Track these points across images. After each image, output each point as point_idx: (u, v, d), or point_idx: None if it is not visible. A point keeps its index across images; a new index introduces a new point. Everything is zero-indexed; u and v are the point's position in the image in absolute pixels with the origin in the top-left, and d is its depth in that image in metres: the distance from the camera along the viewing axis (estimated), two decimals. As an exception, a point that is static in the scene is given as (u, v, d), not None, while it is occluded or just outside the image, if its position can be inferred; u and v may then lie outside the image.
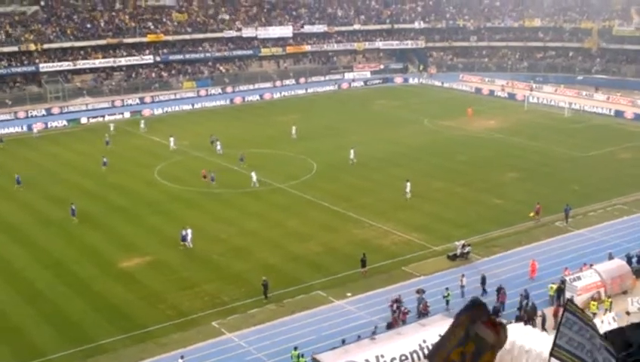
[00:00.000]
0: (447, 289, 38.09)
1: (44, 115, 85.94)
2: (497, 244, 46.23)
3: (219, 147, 67.80)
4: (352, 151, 64.04)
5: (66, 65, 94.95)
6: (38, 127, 79.23)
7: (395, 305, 36.39)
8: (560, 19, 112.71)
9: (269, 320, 37.18)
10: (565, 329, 5.40)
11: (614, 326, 32.62)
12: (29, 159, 68.10)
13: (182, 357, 32.39)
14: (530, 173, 61.16)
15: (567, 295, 36.96)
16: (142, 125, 77.70)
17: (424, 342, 31.53)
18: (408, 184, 54.90)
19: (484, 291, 38.66)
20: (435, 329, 32.38)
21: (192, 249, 45.72)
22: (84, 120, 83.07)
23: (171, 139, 69.56)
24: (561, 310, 14.29)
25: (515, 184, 58.29)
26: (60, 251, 45.93)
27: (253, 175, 58.10)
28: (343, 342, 32.59)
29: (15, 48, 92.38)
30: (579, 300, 36.70)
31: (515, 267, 42.48)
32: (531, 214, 49.40)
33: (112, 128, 77.57)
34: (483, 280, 39.32)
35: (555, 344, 5.30)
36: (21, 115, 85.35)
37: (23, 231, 49.49)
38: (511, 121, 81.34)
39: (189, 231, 46.27)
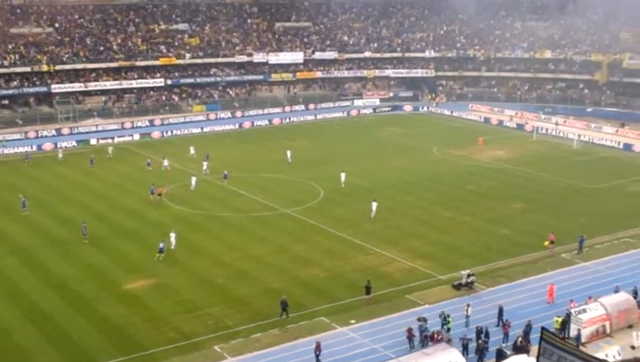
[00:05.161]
0: (447, 316, 37.80)
1: (54, 135, 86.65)
2: (503, 275, 45.99)
3: (205, 167, 69.31)
4: (342, 174, 64.97)
5: (77, 87, 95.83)
6: (48, 146, 79.72)
7: (409, 333, 36.35)
8: (570, 51, 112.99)
9: (273, 345, 36.98)
10: (544, 359, 5.45)
11: (619, 360, 32.40)
12: (39, 179, 68.32)
13: None
14: (538, 204, 61.00)
15: (573, 327, 36.75)
16: (191, 150, 76.55)
17: (426, 371, 31.29)
18: (374, 204, 55.70)
19: (500, 322, 38.35)
20: (438, 358, 32.25)
21: (198, 272, 45.78)
22: (93, 141, 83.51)
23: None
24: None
25: (523, 215, 58.13)
26: (65, 272, 45.88)
27: (193, 179, 64.05)
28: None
29: (28, 69, 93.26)
30: (584, 333, 36.52)
31: (519, 298, 42.24)
32: (546, 243, 49.57)
33: (110, 151, 77.46)
34: (500, 312, 39.06)
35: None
36: (31, 134, 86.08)
37: (30, 251, 49.56)
38: (519, 151, 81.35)
39: (172, 235, 49.24)
